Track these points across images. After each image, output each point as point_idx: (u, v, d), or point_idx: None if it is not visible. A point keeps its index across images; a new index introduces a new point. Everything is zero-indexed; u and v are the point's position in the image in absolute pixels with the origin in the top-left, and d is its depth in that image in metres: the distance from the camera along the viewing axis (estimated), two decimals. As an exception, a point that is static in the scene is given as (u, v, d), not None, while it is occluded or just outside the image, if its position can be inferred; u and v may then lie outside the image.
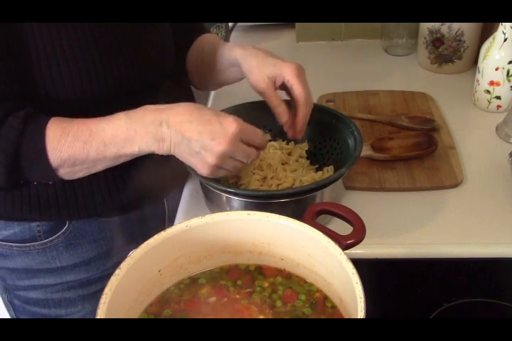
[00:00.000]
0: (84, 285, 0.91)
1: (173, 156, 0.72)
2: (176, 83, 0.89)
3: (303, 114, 0.79)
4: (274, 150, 0.88)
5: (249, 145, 0.71)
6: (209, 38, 0.94)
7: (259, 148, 0.74)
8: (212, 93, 1.19)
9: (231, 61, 0.84)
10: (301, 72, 0.78)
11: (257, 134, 0.72)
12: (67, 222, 0.85)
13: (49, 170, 0.70)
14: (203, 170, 0.71)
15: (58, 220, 0.84)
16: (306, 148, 0.90)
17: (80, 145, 0.69)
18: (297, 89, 0.78)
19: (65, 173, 0.72)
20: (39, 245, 0.86)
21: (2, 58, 0.68)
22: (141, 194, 0.86)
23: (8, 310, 0.98)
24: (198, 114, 0.69)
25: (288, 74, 0.77)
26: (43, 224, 0.84)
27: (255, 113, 0.89)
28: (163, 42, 0.85)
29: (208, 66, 0.89)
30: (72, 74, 0.72)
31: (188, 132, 0.68)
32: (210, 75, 0.91)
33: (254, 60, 0.80)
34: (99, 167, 0.73)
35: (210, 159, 0.69)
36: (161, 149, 0.70)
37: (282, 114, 0.80)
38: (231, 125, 0.68)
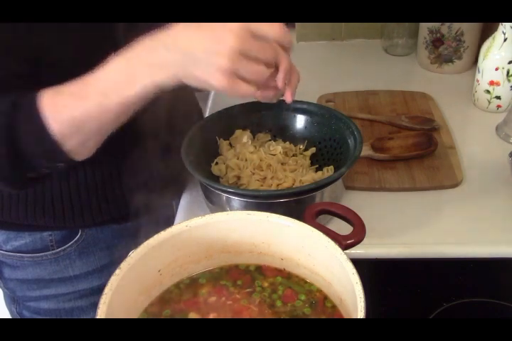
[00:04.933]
0: (96, 292, 0.90)
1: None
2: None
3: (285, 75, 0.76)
4: (274, 148, 0.88)
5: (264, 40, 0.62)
6: None
7: (283, 45, 0.64)
8: (212, 93, 1.19)
9: None
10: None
11: (271, 26, 0.62)
12: (80, 230, 0.85)
13: (52, 143, 0.62)
14: (218, 81, 0.59)
15: (73, 226, 0.83)
16: (314, 152, 0.90)
17: (77, 103, 0.61)
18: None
19: (73, 146, 0.63)
20: (51, 255, 0.85)
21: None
22: (155, 197, 0.85)
23: None
24: (196, 26, 0.61)
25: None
26: (55, 233, 0.84)
27: (255, 113, 0.89)
28: None
29: None
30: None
31: (190, 46, 0.59)
32: None
33: None
34: (109, 126, 0.64)
35: (223, 62, 0.58)
36: (166, 78, 0.61)
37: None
38: (232, 23, 0.60)
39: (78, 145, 0.64)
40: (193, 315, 0.60)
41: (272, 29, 0.62)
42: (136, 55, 0.61)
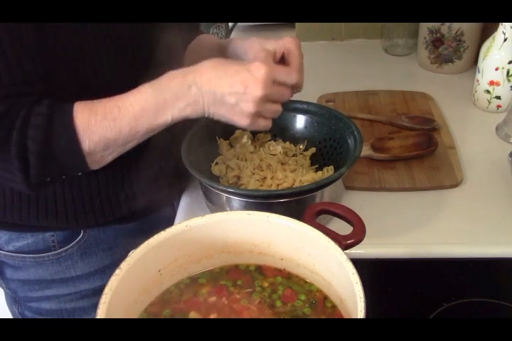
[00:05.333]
0: (98, 293, 0.90)
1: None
2: None
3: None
4: (274, 148, 0.88)
5: (282, 85, 0.71)
6: (207, 37, 0.95)
7: (294, 86, 0.73)
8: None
9: (236, 52, 0.83)
10: (300, 46, 0.79)
11: (289, 73, 0.72)
12: (82, 231, 0.85)
13: (81, 157, 0.68)
14: (243, 121, 0.70)
15: (75, 226, 0.84)
16: (314, 152, 0.90)
17: (110, 123, 0.67)
18: (294, 56, 0.77)
19: (95, 161, 0.70)
20: (53, 255, 0.85)
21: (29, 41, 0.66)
22: (157, 198, 0.85)
23: None
24: (224, 68, 0.68)
25: (290, 43, 0.77)
26: (57, 233, 0.84)
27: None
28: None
29: None
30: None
31: (220, 88, 0.67)
32: None
33: (256, 38, 0.81)
34: (130, 145, 0.71)
35: (249, 107, 0.68)
36: (194, 112, 0.69)
37: None
38: (259, 69, 0.67)
39: (101, 158, 0.70)
40: (193, 315, 0.60)
41: (290, 77, 0.71)
42: (169, 89, 0.68)
